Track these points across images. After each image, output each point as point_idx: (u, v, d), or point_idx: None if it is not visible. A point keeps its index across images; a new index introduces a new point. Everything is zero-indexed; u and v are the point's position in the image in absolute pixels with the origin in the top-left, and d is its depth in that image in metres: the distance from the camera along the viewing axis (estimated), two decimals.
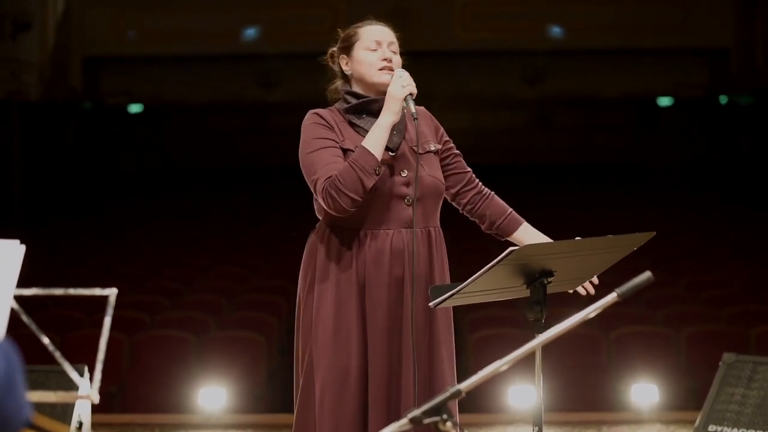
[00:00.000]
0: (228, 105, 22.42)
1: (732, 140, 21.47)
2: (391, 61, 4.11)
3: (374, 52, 4.12)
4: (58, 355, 2.47)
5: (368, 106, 4.11)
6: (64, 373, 2.72)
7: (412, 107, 3.97)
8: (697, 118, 22.19)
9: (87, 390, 2.50)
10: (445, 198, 4.22)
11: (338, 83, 4.24)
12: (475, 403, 8.22)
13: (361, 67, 4.14)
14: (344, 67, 4.19)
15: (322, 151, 4.02)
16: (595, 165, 21.55)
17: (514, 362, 2.66)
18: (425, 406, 2.55)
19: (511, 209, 4.25)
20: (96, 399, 2.50)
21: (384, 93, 4.05)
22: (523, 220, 4.22)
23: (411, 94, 3.99)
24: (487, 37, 21.09)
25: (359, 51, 4.14)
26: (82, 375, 4.77)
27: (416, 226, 4.03)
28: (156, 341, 9.23)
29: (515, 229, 4.19)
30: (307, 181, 4.04)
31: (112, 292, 2.46)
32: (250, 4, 21.33)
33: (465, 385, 2.60)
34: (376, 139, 3.96)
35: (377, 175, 3.93)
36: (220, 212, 17.85)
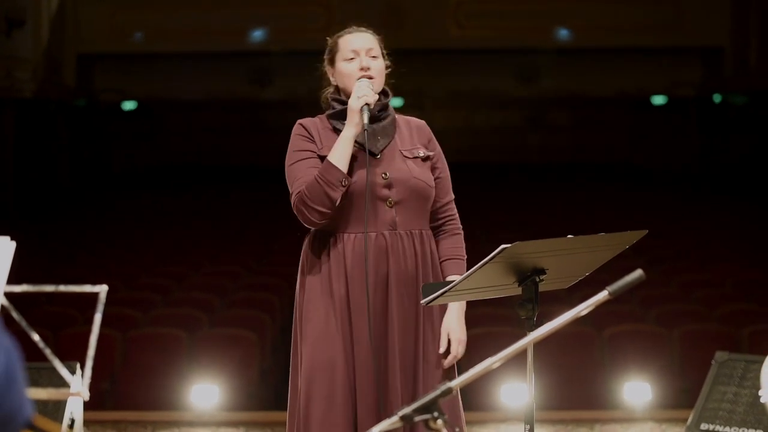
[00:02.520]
0: (222, 102, 22.43)
1: (725, 139, 21.50)
2: (369, 68, 4.13)
3: (352, 61, 4.15)
4: (48, 352, 2.46)
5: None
6: (56, 371, 2.72)
7: (366, 118, 3.99)
8: (690, 117, 22.22)
9: (78, 387, 2.49)
10: None
11: (329, 90, 4.29)
12: (468, 401, 8.21)
13: (342, 78, 4.18)
14: (330, 78, 4.25)
15: (299, 164, 4.10)
16: (588, 164, 21.58)
17: (506, 360, 2.66)
18: (416, 404, 2.55)
19: (453, 256, 4.21)
20: (86, 396, 2.49)
21: None
22: (456, 270, 4.15)
23: (367, 104, 4.01)
24: (481, 36, 21.11)
25: (340, 62, 4.18)
26: (73, 372, 4.76)
27: (399, 227, 4.07)
28: (148, 338, 9.21)
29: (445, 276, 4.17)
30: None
31: (102, 289, 2.45)
32: (245, 1, 21.33)
33: (455, 383, 2.60)
34: (340, 152, 4.00)
35: (344, 186, 3.97)
36: (213, 210, 17.85)
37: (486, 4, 21.19)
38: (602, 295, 2.73)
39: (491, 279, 3.58)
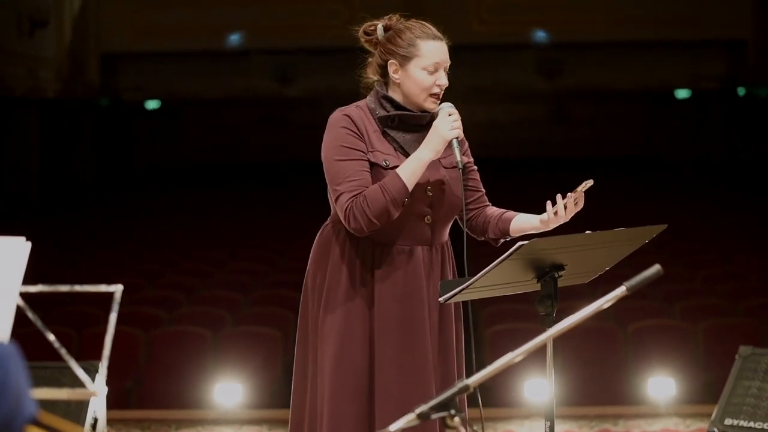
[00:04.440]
0: (244, 100, 22.45)
1: (749, 132, 21.39)
2: (443, 89, 3.98)
3: (431, 75, 3.94)
4: (64, 352, 2.46)
5: (406, 119, 3.98)
6: (80, 369, 2.71)
7: (458, 155, 3.88)
8: (714, 110, 22.12)
9: (97, 387, 2.49)
10: None
11: (375, 79, 4.08)
12: (492, 397, 8.20)
13: (412, 85, 3.96)
14: (392, 74, 3.99)
15: (349, 163, 3.89)
16: (610, 157, 21.51)
17: (523, 357, 2.65)
18: (433, 401, 2.54)
19: (505, 210, 4.15)
20: (102, 395, 2.49)
21: (423, 110, 3.97)
22: (516, 213, 4.10)
23: (458, 138, 3.89)
24: (502, 30, 21.07)
25: (415, 68, 3.95)
26: (96, 371, 4.77)
27: (433, 243, 4.01)
28: (172, 337, 9.23)
29: (511, 219, 4.07)
30: (329, 187, 3.94)
31: (117, 289, 2.45)
32: None
33: (473, 380, 2.59)
34: (412, 172, 3.84)
35: (403, 206, 3.85)
36: (236, 207, 17.88)
37: None
38: (620, 291, 2.72)
39: (510, 276, 3.56)
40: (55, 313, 9.33)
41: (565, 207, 3.82)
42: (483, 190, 4.20)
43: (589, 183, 3.75)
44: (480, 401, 4.00)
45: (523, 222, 4.03)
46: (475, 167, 4.20)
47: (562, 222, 3.87)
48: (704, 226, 14.31)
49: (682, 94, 22.12)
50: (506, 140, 22.09)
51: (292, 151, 21.29)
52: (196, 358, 8.96)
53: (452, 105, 3.95)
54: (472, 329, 4.08)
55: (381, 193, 3.81)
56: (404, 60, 3.96)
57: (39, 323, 2.42)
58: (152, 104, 22.88)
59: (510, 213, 4.10)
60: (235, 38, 21.72)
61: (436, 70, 3.94)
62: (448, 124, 3.88)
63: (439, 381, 3.99)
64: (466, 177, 4.11)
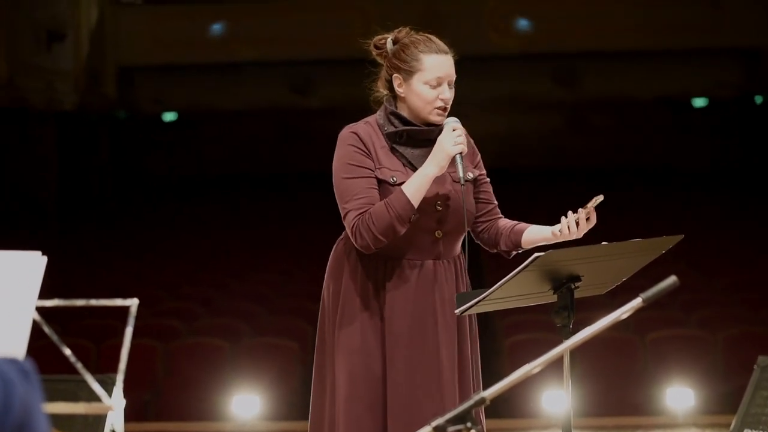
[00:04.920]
0: (263, 111, 22.47)
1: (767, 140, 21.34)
2: (448, 103, 3.97)
3: (434, 89, 3.94)
4: (80, 366, 2.47)
5: (413, 134, 3.99)
6: (94, 383, 2.72)
7: (460, 170, 3.86)
8: (732, 118, 22.06)
9: (113, 400, 2.49)
10: None
11: (384, 93, 4.09)
12: (511, 408, 8.19)
13: (416, 99, 3.96)
14: (397, 88, 4.01)
15: (356, 181, 3.91)
16: (629, 166, 21.46)
17: (540, 369, 2.64)
18: (449, 414, 2.54)
19: (518, 222, 4.15)
20: (117, 409, 2.49)
21: (430, 124, 3.98)
22: (528, 225, 4.10)
23: (461, 153, 3.88)
24: (519, 40, 21.06)
25: (418, 83, 3.95)
26: (113, 384, 4.77)
27: (443, 257, 4.01)
28: (191, 349, 9.24)
29: (523, 231, 4.06)
30: (339, 205, 3.97)
31: (133, 303, 2.46)
32: (281, 9, 21.38)
33: (489, 392, 2.59)
34: (417, 188, 3.85)
35: (410, 222, 3.85)
36: (254, 218, 17.90)
37: (524, 8, 21.15)
38: (636, 303, 2.71)
39: (526, 287, 3.56)
40: (73, 326, 9.36)
41: (577, 223, 3.82)
42: (495, 202, 4.20)
43: (600, 198, 3.72)
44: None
45: (534, 234, 4.03)
46: (488, 179, 4.20)
47: (574, 238, 3.86)
48: (723, 234, 14.27)
49: (699, 102, 22.07)
50: (525, 150, 22.06)
51: (310, 162, 21.33)
52: (213, 370, 8.98)
53: (457, 120, 3.94)
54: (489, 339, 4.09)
55: (386, 210, 3.83)
56: (408, 75, 3.97)
57: (55, 337, 2.42)
58: (169, 116, 22.93)
59: (522, 225, 4.10)
60: (217, 28, 21.71)
61: (439, 84, 3.94)
62: (451, 139, 3.87)
63: (458, 393, 4.00)
64: (478, 190, 4.12)
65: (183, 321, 9.90)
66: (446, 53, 4.00)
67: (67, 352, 2.45)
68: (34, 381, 1.68)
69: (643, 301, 2.71)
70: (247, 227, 16.87)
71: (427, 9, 19.37)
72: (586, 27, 21.06)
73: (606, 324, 2.67)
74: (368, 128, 4.02)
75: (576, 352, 8.79)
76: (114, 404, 2.47)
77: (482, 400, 2.56)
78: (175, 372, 9.10)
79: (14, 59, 17.70)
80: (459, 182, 3.95)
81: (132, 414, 7.66)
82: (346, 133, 4.01)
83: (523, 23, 21.25)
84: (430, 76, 3.93)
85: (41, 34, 18.76)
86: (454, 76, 3.98)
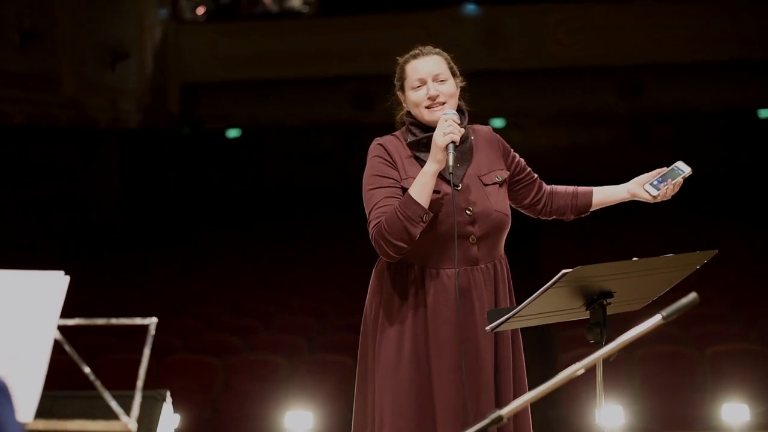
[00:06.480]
0: (324, 127, 22.57)
1: None
2: (437, 96, 4.07)
3: (419, 90, 4.09)
4: (98, 384, 2.50)
5: (429, 140, 4.03)
6: (127, 399, 2.74)
7: (451, 159, 3.88)
8: None
9: (127, 419, 2.52)
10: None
11: (403, 111, 4.22)
12: (563, 424, 8.15)
13: (411, 106, 4.13)
14: (403, 104, 4.21)
15: (379, 191, 4.01)
16: (692, 178, 21.26)
17: (559, 385, 2.63)
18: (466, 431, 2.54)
19: (572, 187, 4.38)
20: (134, 428, 2.52)
21: (432, 124, 4.04)
22: (590, 188, 4.37)
23: (453, 142, 3.91)
24: (581, 53, 20.98)
25: (408, 90, 4.14)
26: (163, 400, 4.82)
27: (481, 261, 4.04)
28: (248, 365, 9.29)
29: (591, 198, 4.34)
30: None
31: (151, 322, 2.48)
32: (343, 26, 21.48)
33: (506, 410, 2.59)
34: (421, 187, 3.90)
35: (424, 222, 3.88)
36: (315, 233, 17.97)
37: (585, 21, 21.07)
38: (656, 319, 2.70)
39: (557, 303, 3.54)
40: (134, 341, 9.45)
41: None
42: (535, 175, 4.34)
43: (689, 172, 4.26)
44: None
45: (607, 196, 4.35)
46: (521, 159, 4.30)
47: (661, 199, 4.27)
48: None
49: (764, 113, 21.85)
50: (588, 164, 21.95)
51: None
52: (270, 386, 9.01)
53: (452, 111, 4.03)
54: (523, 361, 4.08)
55: (395, 214, 3.89)
56: (402, 89, 4.19)
57: (75, 356, 2.45)
58: (233, 132, 23.10)
59: (583, 188, 4.35)
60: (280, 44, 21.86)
61: (423, 84, 4.09)
62: (440, 131, 3.93)
63: (494, 399, 4.02)
64: (515, 179, 4.25)
65: (241, 337, 9.95)
66: (424, 55, 4.15)
67: (87, 370, 2.49)
68: (6, 395, 1.70)
69: (663, 318, 2.70)
70: (309, 243, 16.93)
71: (489, 25, 19.36)
72: (650, 39, 20.94)
73: (624, 342, 2.66)
74: (395, 140, 4.15)
75: (634, 367, 8.73)
76: (130, 423, 2.50)
77: (499, 419, 2.56)
78: (233, 388, 9.15)
79: (79, 79, 17.93)
80: (491, 185, 4.07)
81: (192, 430, 7.77)
82: (373, 146, 4.15)
83: (585, 36, 21.14)
84: (413, 80, 4.11)
85: (105, 53, 18.99)
86: (435, 72, 4.10)
